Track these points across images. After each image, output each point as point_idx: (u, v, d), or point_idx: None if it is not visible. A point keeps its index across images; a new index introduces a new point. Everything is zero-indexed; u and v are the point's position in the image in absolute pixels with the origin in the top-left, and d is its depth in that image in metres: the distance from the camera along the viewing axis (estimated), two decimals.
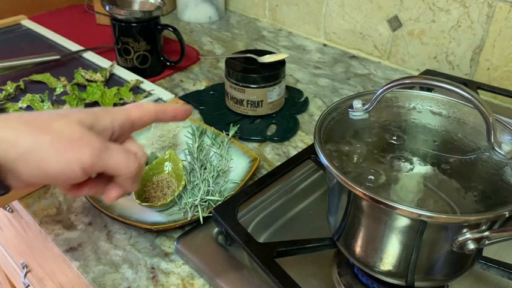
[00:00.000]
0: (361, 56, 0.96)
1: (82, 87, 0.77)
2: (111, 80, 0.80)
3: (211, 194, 0.54)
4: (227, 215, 0.47)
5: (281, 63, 0.71)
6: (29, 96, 0.69)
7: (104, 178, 0.41)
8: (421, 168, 0.43)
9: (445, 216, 0.34)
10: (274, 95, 0.70)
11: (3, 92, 0.73)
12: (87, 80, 0.78)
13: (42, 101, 0.69)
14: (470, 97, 0.38)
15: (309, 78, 0.86)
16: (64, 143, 0.35)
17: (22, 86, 0.76)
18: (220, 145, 0.63)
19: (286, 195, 0.58)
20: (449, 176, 0.41)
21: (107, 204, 0.54)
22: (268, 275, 0.42)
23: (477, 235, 0.35)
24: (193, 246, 0.49)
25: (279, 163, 0.58)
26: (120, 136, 0.41)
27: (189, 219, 0.52)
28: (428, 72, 0.80)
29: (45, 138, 0.35)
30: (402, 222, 0.37)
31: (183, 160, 0.59)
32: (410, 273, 0.40)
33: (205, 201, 0.53)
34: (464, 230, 0.36)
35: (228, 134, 0.64)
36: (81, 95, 0.73)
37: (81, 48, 0.90)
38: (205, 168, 0.58)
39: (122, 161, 0.38)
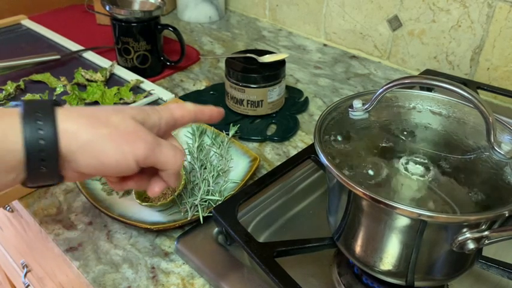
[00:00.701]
0: (361, 56, 0.96)
1: (82, 87, 0.77)
2: (111, 80, 0.80)
3: (211, 193, 0.54)
4: (227, 214, 0.47)
5: (281, 63, 0.71)
6: (29, 96, 0.69)
7: (147, 173, 0.43)
8: (420, 168, 0.43)
9: (445, 216, 0.34)
10: (274, 94, 0.70)
11: (4, 92, 0.73)
12: (87, 80, 0.78)
13: None
14: (470, 97, 0.38)
15: (309, 78, 0.86)
16: (121, 136, 0.37)
17: (22, 86, 0.76)
18: (220, 145, 0.63)
19: (286, 195, 0.58)
20: (449, 176, 0.41)
21: (106, 204, 0.54)
22: (268, 275, 0.42)
23: (477, 235, 0.35)
24: (193, 246, 0.49)
25: (279, 163, 0.58)
26: (164, 134, 0.43)
27: (189, 219, 0.52)
28: (428, 72, 0.80)
29: (104, 131, 0.37)
30: (402, 221, 0.37)
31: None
32: (410, 273, 0.40)
33: (205, 201, 0.53)
34: (464, 230, 0.36)
35: (228, 134, 0.64)
36: (82, 95, 0.73)
37: (81, 48, 0.90)
38: (205, 168, 0.58)
39: (171, 156, 0.40)
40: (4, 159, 0.35)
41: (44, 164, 0.36)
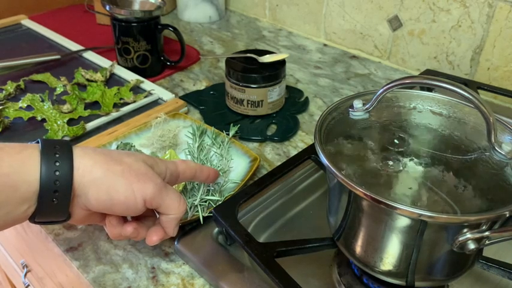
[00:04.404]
0: (361, 56, 0.96)
1: (82, 87, 0.77)
2: (112, 80, 0.80)
3: (211, 193, 0.54)
4: (227, 214, 0.47)
5: (281, 63, 0.71)
6: (29, 96, 0.69)
7: (146, 223, 0.45)
8: (421, 168, 0.43)
9: (445, 216, 0.34)
10: (274, 94, 0.70)
11: (4, 92, 0.73)
12: (88, 80, 0.78)
13: (43, 101, 0.69)
14: (470, 97, 0.38)
15: (309, 78, 0.86)
16: (133, 175, 0.40)
17: (22, 86, 0.76)
18: (220, 145, 0.62)
19: (286, 195, 0.58)
20: (449, 176, 0.41)
21: None
22: (268, 275, 0.42)
23: (477, 235, 0.35)
24: (194, 246, 0.49)
25: (279, 163, 0.58)
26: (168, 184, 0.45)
27: (189, 219, 0.52)
28: (428, 72, 0.80)
29: (117, 168, 0.40)
30: (403, 222, 0.37)
31: None
32: (411, 273, 0.40)
33: (205, 201, 0.53)
34: (465, 230, 0.36)
35: (228, 134, 0.64)
36: (82, 95, 0.73)
37: (82, 48, 0.90)
38: None
39: (176, 201, 0.43)
40: (20, 189, 0.36)
41: (56, 195, 0.37)
